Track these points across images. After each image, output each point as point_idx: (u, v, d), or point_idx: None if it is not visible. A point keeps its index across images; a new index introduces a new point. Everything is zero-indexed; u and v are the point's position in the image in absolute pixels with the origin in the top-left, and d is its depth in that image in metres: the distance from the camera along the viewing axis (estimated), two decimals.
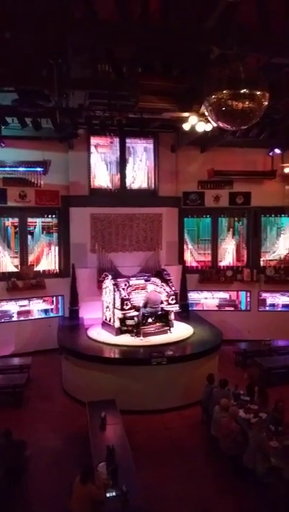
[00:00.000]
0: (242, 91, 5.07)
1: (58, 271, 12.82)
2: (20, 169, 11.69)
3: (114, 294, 10.19)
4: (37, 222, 12.70)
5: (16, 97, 8.49)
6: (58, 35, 5.99)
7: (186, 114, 8.29)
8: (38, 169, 11.74)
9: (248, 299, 13.39)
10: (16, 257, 12.47)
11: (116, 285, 10.28)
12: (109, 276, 10.68)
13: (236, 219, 13.70)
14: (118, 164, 12.81)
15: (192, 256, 13.61)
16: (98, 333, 10.26)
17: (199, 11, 5.94)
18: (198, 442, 7.72)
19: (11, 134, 10.48)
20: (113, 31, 6.23)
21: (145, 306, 10.09)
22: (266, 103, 5.25)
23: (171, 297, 10.48)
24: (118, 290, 10.15)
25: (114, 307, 10.14)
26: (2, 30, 6.16)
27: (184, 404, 8.73)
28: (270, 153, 12.66)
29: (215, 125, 6.37)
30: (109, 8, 6.39)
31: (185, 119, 8.51)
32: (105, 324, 10.60)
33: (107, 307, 10.59)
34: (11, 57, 6.99)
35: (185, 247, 13.53)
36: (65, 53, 6.90)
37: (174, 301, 10.51)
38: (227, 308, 13.43)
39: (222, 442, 6.98)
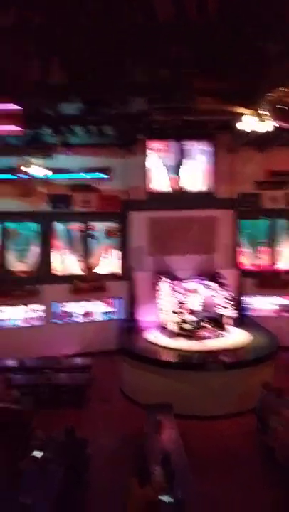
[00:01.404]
0: None
1: (118, 274, 13.22)
2: (85, 176, 12.23)
3: (170, 297, 10.34)
4: (99, 227, 13.19)
5: (81, 106, 8.87)
6: (119, 42, 6.19)
7: (243, 114, 8.16)
8: (101, 175, 12.22)
9: None
10: (80, 260, 13.09)
11: (172, 288, 10.42)
12: (166, 280, 10.83)
13: None
14: (175, 167, 12.90)
15: (248, 259, 13.34)
16: (155, 337, 10.48)
17: (257, 7, 5.82)
18: (254, 451, 7.67)
19: (75, 142, 10.97)
20: (171, 33, 6.31)
21: (201, 310, 10.14)
22: None
23: (226, 301, 10.42)
24: (174, 293, 10.29)
25: (170, 310, 10.29)
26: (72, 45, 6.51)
27: (239, 412, 8.70)
28: None
29: (273, 124, 6.21)
30: (168, 10, 6.49)
31: (242, 119, 8.38)
32: (162, 327, 10.80)
33: (163, 310, 10.77)
34: (76, 68, 7.38)
35: (241, 249, 13.29)
36: (126, 60, 7.12)
37: (230, 306, 10.43)
38: (284, 314, 13.00)
39: (278, 452, 6.90)
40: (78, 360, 11.07)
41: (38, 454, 6.30)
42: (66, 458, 6.31)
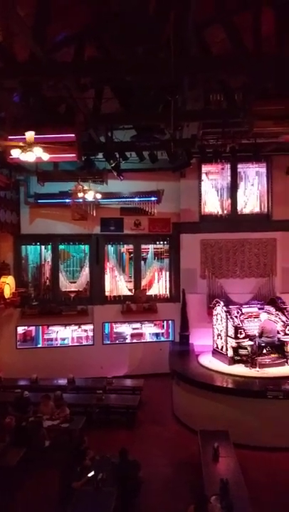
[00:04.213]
0: None
1: (168, 296, 13.13)
2: (136, 199, 12.50)
3: (226, 322, 10.01)
4: (149, 249, 13.29)
5: (134, 133, 9.12)
6: (176, 75, 6.37)
7: None
8: (152, 199, 12.47)
9: None
10: (130, 282, 13.16)
11: (228, 312, 10.11)
12: (221, 303, 10.55)
13: None
14: (229, 190, 12.81)
15: None
16: (210, 361, 10.14)
17: None
18: None
19: (128, 167, 11.25)
20: (226, 64, 6.40)
21: (260, 335, 9.69)
22: None
23: (287, 327, 9.90)
24: (231, 318, 9.96)
25: (226, 335, 9.94)
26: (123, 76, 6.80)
27: None
28: None
29: None
30: (221, 41, 6.62)
31: None
32: (217, 352, 10.42)
33: (219, 335, 10.42)
34: (130, 97, 7.65)
35: None
36: (181, 89, 7.27)
37: None
38: None
39: None
40: (129, 382, 10.95)
41: (91, 474, 6.14)
42: (120, 480, 6.09)
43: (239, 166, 12.74)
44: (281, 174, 12.47)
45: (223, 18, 6.43)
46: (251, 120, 7.74)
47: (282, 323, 10.00)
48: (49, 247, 12.97)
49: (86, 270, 13.01)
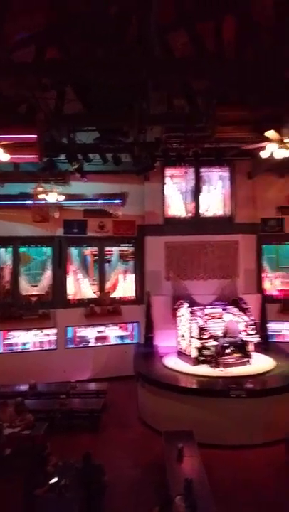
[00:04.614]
0: None
1: (133, 298, 13.10)
2: (100, 201, 12.43)
3: (190, 323, 10.10)
4: (114, 251, 13.22)
5: (98, 135, 9.07)
6: (139, 76, 6.41)
7: (264, 143, 8.21)
8: (117, 201, 12.43)
9: None
10: (94, 284, 13.02)
11: (192, 313, 10.20)
12: (185, 305, 10.65)
13: None
14: (193, 193, 13.00)
15: (272, 284, 13.11)
16: (175, 363, 10.18)
17: (275, 40, 6.01)
18: (283, 485, 7.15)
19: (91, 169, 11.17)
20: (189, 67, 6.51)
21: (224, 335, 9.86)
22: None
23: (249, 327, 10.14)
24: (195, 318, 10.06)
25: (191, 336, 10.02)
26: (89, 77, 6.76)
27: (266, 442, 8.20)
28: None
29: None
30: (185, 46, 6.73)
31: (263, 147, 8.42)
32: (181, 353, 10.49)
33: (183, 336, 10.50)
34: (94, 99, 7.60)
35: (264, 275, 13.09)
36: (145, 91, 7.32)
37: (253, 332, 10.13)
38: None
39: None
40: (93, 385, 10.82)
41: (54, 480, 5.99)
42: (84, 485, 5.98)
43: (202, 169, 12.97)
44: (243, 178, 12.79)
45: (186, 22, 6.53)
46: (213, 125, 7.92)
47: (245, 324, 10.21)
48: (9, 249, 12.62)
49: (48, 273, 12.75)
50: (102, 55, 6.24)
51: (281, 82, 6.88)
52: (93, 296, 12.89)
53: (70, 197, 11.74)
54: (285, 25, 5.77)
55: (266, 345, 11.40)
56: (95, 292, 12.95)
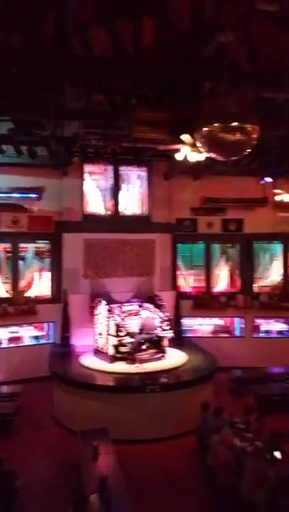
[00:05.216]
0: (233, 124, 5.25)
1: (49, 296, 12.74)
2: (14, 195, 11.88)
3: (108, 320, 10.12)
4: (29, 248, 12.71)
5: (12, 126, 8.66)
6: (56, 70, 6.24)
7: (178, 145, 8.51)
8: (32, 195, 11.95)
9: (242, 326, 13.38)
10: (7, 283, 12.40)
11: (110, 311, 10.23)
12: (103, 302, 10.64)
13: (229, 245, 13.89)
14: (112, 191, 13.03)
15: (186, 282, 13.67)
16: (91, 361, 10.11)
17: (191, 48, 6.25)
18: (194, 472, 7.50)
19: (5, 161, 10.64)
20: (108, 66, 6.52)
21: (140, 332, 10.03)
22: (256, 136, 5.44)
23: (164, 323, 10.45)
24: (112, 316, 10.10)
25: (108, 334, 10.04)
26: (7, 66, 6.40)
27: (179, 433, 8.52)
28: (261, 182, 12.90)
29: (207, 155, 6.55)
30: (105, 45, 6.71)
31: (178, 149, 8.73)
32: (98, 352, 10.46)
33: (100, 334, 10.49)
34: (9, 88, 7.22)
35: (178, 272, 13.60)
36: (62, 85, 7.15)
37: (168, 327, 10.47)
38: (221, 335, 13.39)
39: (218, 472, 6.82)
40: (5, 388, 10.32)
41: None
42: None
43: (121, 168, 13.05)
44: (160, 179, 13.13)
45: (105, 20, 6.51)
46: (131, 125, 8.00)
47: (160, 320, 10.51)
48: None
49: None
50: (17, 45, 5.97)
51: (194, 87, 7.22)
52: (6, 296, 12.28)
53: None
54: (202, 29, 6.00)
55: (180, 340, 11.81)
56: (7, 291, 12.35)
